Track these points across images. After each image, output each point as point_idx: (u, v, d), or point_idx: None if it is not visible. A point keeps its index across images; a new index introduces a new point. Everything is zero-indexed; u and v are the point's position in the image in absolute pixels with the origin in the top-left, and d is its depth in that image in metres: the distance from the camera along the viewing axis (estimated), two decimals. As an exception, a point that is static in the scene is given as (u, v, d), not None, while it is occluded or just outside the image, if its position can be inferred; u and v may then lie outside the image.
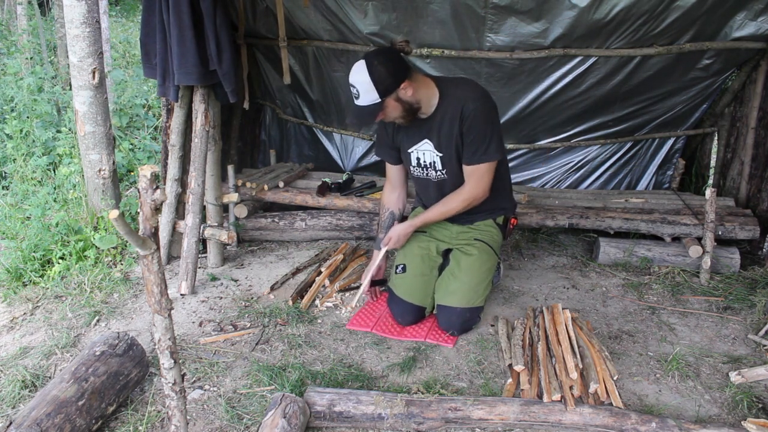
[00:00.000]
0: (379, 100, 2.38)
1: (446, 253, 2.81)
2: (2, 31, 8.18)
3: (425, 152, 2.62)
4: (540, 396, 2.15)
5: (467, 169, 2.55)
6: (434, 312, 2.72)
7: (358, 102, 2.42)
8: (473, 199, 2.60)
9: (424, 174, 2.68)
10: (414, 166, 2.70)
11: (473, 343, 2.61)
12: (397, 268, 2.77)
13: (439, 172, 2.64)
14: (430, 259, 2.76)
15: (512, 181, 4.01)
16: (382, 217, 2.87)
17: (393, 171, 2.83)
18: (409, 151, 2.66)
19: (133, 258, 3.27)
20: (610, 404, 2.13)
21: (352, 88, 2.41)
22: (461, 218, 2.74)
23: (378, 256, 2.81)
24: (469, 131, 2.46)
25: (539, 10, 3.07)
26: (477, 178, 2.55)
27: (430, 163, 2.63)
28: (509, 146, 3.97)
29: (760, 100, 3.48)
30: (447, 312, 2.61)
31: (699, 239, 3.21)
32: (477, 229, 2.77)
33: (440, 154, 2.58)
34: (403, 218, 2.89)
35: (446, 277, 2.69)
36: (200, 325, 2.73)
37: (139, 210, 1.47)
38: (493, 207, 2.76)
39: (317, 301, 2.93)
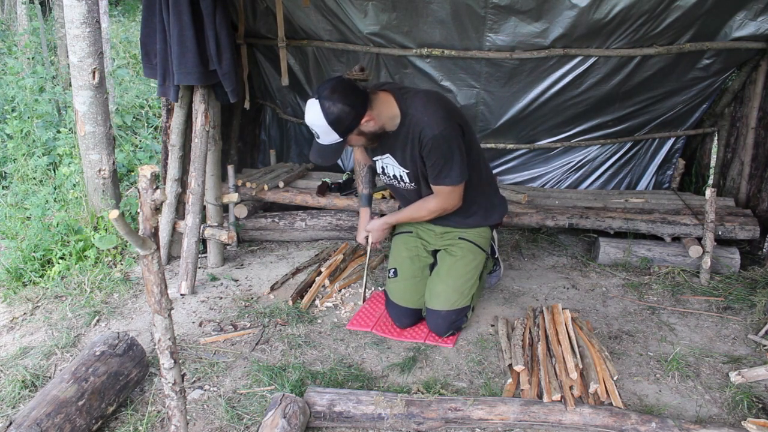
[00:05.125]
0: (341, 139, 2.31)
1: (436, 253, 2.80)
2: (3, 32, 8.18)
3: (389, 165, 2.58)
4: (540, 396, 2.15)
5: (434, 188, 2.51)
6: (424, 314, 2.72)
7: (320, 141, 2.34)
8: (443, 212, 2.59)
9: (392, 183, 2.66)
10: (381, 174, 2.68)
11: (473, 343, 2.61)
12: (389, 272, 2.78)
13: (408, 184, 2.60)
14: (420, 260, 2.76)
15: (512, 182, 4.06)
16: (363, 173, 2.86)
17: None
18: (374, 159, 2.64)
19: (133, 258, 3.27)
20: (610, 404, 2.13)
21: (311, 128, 2.31)
22: (445, 222, 2.72)
23: (363, 217, 2.86)
24: (429, 157, 2.39)
25: (539, 10, 3.07)
26: (443, 195, 2.51)
27: (396, 176, 2.60)
28: (509, 146, 3.97)
29: (760, 100, 3.48)
30: (433, 315, 2.61)
31: (699, 239, 3.21)
32: (462, 228, 2.76)
33: (407, 171, 2.53)
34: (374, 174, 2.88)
35: (432, 280, 2.70)
36: (200, 325, 2.73)
37: (139, 210, 1.47)
38: (477, 222, 2.73)
39: (317, 301, 2.94)
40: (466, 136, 2.45)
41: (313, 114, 2.25)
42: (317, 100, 2.23)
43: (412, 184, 2.59)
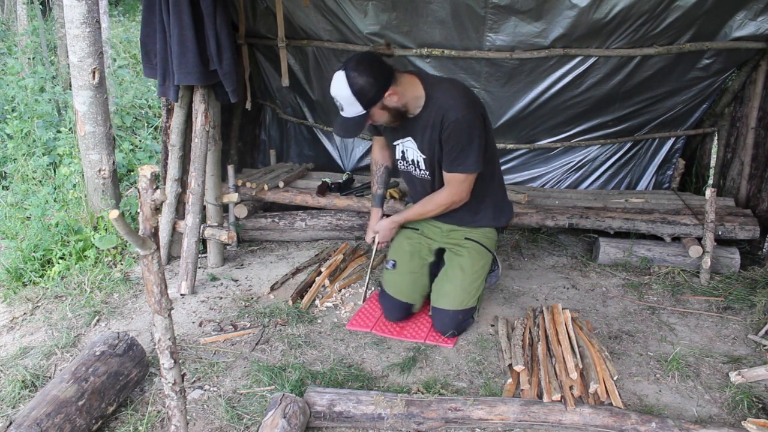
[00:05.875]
0: (364, 111, 2.33)
1: (439, 252, 2.80)
2: (3, 32, 8.18)
3: (409, 149, 2.60)
4: (540, 396, 2.15)
5: (446, 175, 2.53)
6: (430, 313, 2.72)
7: (343, 114, 2.37)
8: (451, 204, 2.59)
9: (410, 169, 2.67)
10: (399, 159, 2.69)
11: (473, 343, 2.61)
12: (388, 263, 2.79)
13: (423, 172, 2.62)
14: (420, 257, 2.76)
15: (512, 182, 4.07)
16: (378, 173, 2.88)
17: (379, 137, 2.84)
18: (395, 143, 2.65)
19: (133, 258, 3.27)
20: (610, 404, 2.13)
21: (335, 101, 2.34)
22: (451, 219, 2.72)
23: (374, 217, 2.88)
24: (448, 141, 2.41)
25: (539, 9, 3.07)
26: (455, 185, 2.53)
27: (414, 161, 2.62)
28: (509, 146, 3.97)
29: (760, 100, 3.48)
30: (440, 315, 2.61)
31: (699, 239, 3.21)
32: (469, 227, 2.77)
33: (423, 156, 2.56)
34: (390, 175, 2.93)
35: (440, 279, 2.70)
36: (200, 325, 2.73)
37: (139, 210, 1.47)
38: (485, 222, 2.74)
39: (317, 301, 2.94)
40: (487, 128, 2.48)
41: (339, 84, 2.28)
42: (343, 71, 2.27)
43: (427, 173, 2.60)
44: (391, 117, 2.42)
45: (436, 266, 2.78)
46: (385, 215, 2.94)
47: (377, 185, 2.89)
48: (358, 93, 2.27)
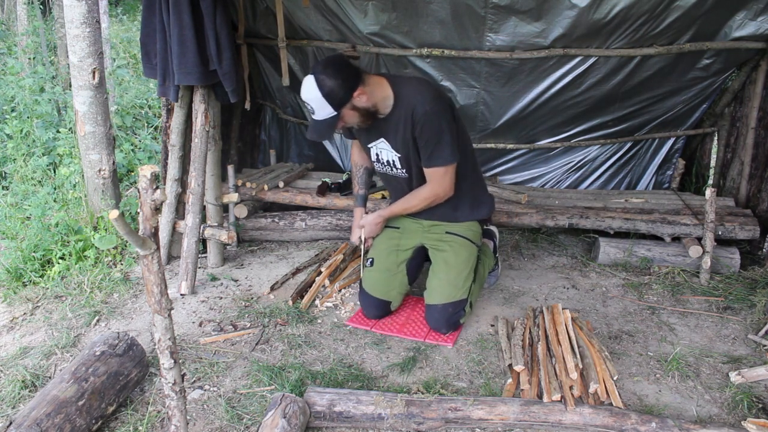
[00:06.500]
0: (335, 113, 2.38)
1: (418, 249, 2.81)
2: (3, 32, 8.18)
3: (383, 150, 2.63)
4: (540, 396, 2.15)
5: (426, 171, 2.57)
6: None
7: (315, 117, 2.42)
8: (435, 198, 2.62)
9: (386, 170, 2.70)
10: (375, 161, 2.72)
11: (473, 343, 2.61)
12: (367, 261, 2.81)
13: (399, 170, 2.65)
14: (397, 255, 2.78)
15: (512, 182, 4.07)
16: (359, 173, 2.91)
17: (357, 140, 2.87)
18: (369, 146, 2.69)
19: (133, 258, 3.27)
20: (610, 404, 2.13)
21: (306, 105, 2.41)
22: (432, 215, 2.74)
23: (357, 217, 2.89)
24: (421, 135, 2.45)
25: (539, 9, 3.07)
26: (437, 179, 2.56)
27: (390, 162, 2.64)
28: (509, 146, 3.97)
29: (760, 100, 3.48)
30: (431, 310, 2.63)
31: (699, 239, 3.21)
32: (449, 222, 2.78)
33: (399, 155, 2.59)
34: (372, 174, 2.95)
35: (428, 278, 2.73)
36: (200, 325, 2.73)
37: (139, 210, 1.47)
38: (464, 216, 2.76)
39: (317, 301, 2.94)
40: (456, 120, 2.53)
41: (309, 88, 2.34)
42: (312, 75, 2.33)
43: (404, 171, 2.63)
44: (361, 117, 2.46)
45: (413, 263, 2.80)
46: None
47: (359, 186, 2.92)
48: (327, 95, 2.32)
